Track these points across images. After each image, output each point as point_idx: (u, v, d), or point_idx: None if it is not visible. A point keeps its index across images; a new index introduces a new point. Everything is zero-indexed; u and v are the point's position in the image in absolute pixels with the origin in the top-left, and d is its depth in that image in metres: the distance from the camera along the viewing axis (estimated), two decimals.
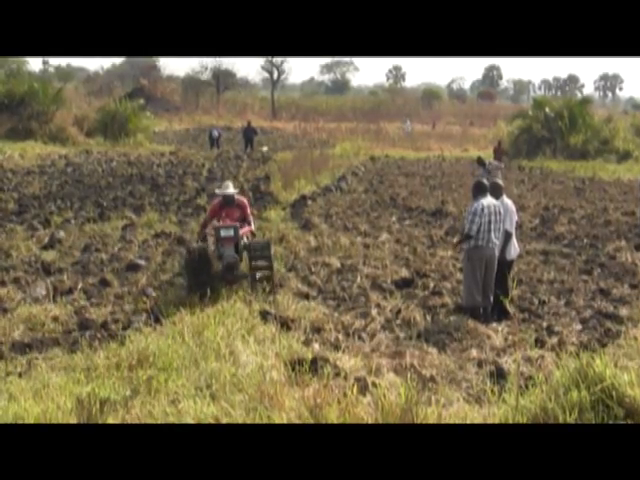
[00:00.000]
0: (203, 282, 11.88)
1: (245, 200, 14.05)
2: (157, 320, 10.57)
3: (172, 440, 5.48)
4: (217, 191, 14.38)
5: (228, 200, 13.49)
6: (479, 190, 11.71)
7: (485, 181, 12.16)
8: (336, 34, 5.42)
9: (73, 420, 6.60)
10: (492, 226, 11.46)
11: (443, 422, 6.65)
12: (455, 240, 12.62)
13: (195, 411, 7.01)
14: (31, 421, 6.70)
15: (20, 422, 6.63)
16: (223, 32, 5.39)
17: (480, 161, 24.88)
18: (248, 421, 6.62)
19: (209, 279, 11.99)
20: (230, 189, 13.61)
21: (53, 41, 5.34)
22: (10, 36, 5.25)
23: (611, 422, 6.16)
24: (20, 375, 8.66)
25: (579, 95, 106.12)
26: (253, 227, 13.94)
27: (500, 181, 12.86)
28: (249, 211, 13.80)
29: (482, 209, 11.45)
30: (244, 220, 13.48)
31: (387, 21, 5.37)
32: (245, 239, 13.13)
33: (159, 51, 5.66)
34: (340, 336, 10.41)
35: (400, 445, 5.38)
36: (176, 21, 5.32)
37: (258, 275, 12.83)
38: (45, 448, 5.21)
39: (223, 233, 12.55)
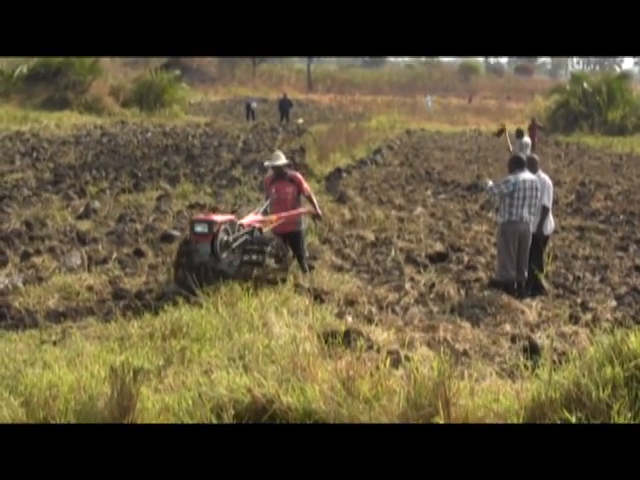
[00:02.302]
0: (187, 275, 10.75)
1: (299, 175, 12.60)
2: (191, 291, 10.57)
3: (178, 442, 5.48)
4: (266, 163, 12.85)
5: (279, 173, 12.13)
6: (517, 164, 11.50)
7: (523, 155, 12.03)
8: (353, 35, 5.35)
9: (107, 388, 6.61)
10: (527, 202, 11.28)
11: (475, 396, 6.62)
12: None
13: (228, 382, 7.02)
14: (65, 389, 6.73)
15: (55, 390, 6.66)
16: (234, 34, 5.33)
17: (519, 134, 24.62)
18: (281, 392, 6.63)
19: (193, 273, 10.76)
20: (280, 160, 12.11)
21: (67, 41, 5.30)
22: (18, 35, 5.23)
23: None
24: (55, 343, 8.73)
25: (618, 70, 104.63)
26: (318, 209, 12.42)
27: (536, 156, 12.72)
28: (305, 186, 12.31)
29: (522, 181, 11.28)
30: (299, 197, 12.19)
31: (397, 23, 5.30)
32: (247, 236, 11.36)
33: (168, 52, 5.63)
34: (373, 309, 10.40)
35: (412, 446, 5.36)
36: (192, 22, 5.26)
37: (244, 271, 11.05)
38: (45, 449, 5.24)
39: (197, 228, 10.86)
